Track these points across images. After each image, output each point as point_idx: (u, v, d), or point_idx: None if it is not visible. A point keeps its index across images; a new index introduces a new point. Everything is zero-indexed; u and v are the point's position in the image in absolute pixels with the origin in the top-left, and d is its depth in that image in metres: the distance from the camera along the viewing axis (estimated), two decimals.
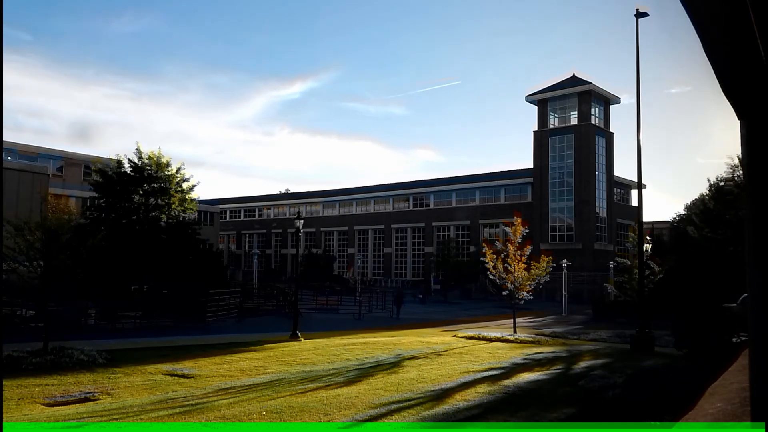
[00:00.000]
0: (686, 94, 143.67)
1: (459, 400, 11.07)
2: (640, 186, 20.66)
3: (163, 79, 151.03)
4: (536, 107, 60.05)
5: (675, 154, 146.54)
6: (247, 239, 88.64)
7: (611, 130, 59.39)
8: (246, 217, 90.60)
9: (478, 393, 11.83)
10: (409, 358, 16.62)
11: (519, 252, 23.58)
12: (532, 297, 25.26)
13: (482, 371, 14.58)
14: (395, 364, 15.52)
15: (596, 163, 56.01)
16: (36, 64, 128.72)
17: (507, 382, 13.19)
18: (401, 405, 10.50)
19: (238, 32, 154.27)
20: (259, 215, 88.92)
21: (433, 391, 11.92)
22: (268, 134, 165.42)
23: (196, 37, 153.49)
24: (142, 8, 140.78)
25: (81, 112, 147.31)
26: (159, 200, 30.84)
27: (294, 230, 30.14)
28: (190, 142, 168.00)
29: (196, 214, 34.35)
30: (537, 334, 24.34)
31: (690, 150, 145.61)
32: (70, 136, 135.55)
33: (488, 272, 24.69)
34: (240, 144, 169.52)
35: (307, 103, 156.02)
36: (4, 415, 9.20)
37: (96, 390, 11.60)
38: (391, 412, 9.91)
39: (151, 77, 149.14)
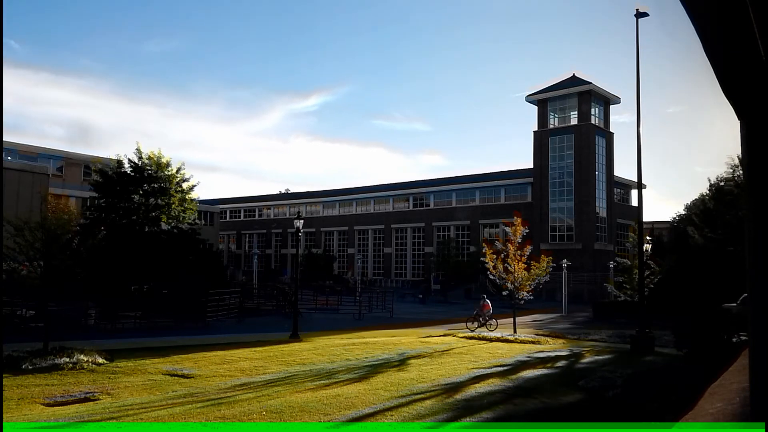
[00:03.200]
0: (685, 103, 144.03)
1: (458, 400, 11.08)
2: (640, 186, 20.65)
3: (188, 94, 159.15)
4: (536, 107, 60.05)
5: (674, 160, 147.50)
6: (247, 239, 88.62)
7: (611, 130, 59.42)
8: (246, 217, 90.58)
9: (478, 393, 11.83)
10: (409, 358, 16.63)
11: (519, 252, 23.56)
12: (532, 297, 25.25)
13: (481, 369, 14.57)
14: (396, 364, 15.52)
15: (596, 163, 55.98)
16: (79, 83, 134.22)
17: (507, 381, 13.19)
18: (401, 404, 10.50)
19: (259, 50, 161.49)
20: (259, 215, 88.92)
21: (433, 390, 11.93)
22: (284, 142, 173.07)
23: (221, 56, 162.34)
24: (173, 30, 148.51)
25: (109, 122, 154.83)
26: (159, 200, 30.82)
27: (294, 230, 30.15)
28: (209, 149, 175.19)
29: (196, 214, 34.31)
30: (537, 334, 24.33)
31: (689, 156, 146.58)
32: (92, 143, 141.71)
33: (488, 272, 24.67)
34: (255, 151, 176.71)
35: (322, 114, 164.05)
36: (4, 415, 9.20)
37: (96, 390, 11.59)
38: (390, 412, 9.92)
39: (178, 93, 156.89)
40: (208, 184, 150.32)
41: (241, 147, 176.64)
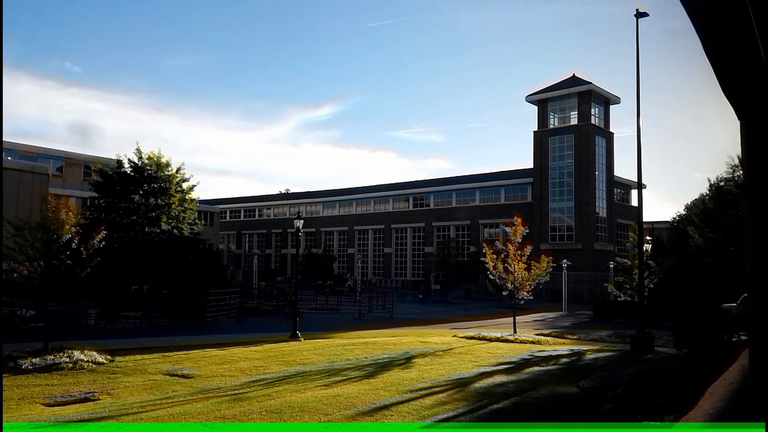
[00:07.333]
0: (685, 110, 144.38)
1: (458, 399, 11.07)
2: (640, 186, 20.65)
3: (206, 104, 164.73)
4: (536, 107, 60.05)
5: (674, 167, 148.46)
6: (247, 239, 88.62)
7: (611, 130, 59.41)
8: (246, 217, 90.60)
9: (477, 393, 11.83)
10: (410, 358, 16.62)
11: (519, 252, 23.55)
12: (532, 297, 25.24)
13: (483, 368, 14.57)
14: (396, 364, 15.51)
15: (596, 163, 55.99)
16: (111, 97, 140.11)
17: (507, 379, 13.19)
18: (401, 404, 10.49)
19: (271, 62, 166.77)
20: (259, 215, 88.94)
21: (433, 390, 11.92)
22: (295, 146, 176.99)
23: (238, 70, 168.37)
24: (196, 45, 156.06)
25: (129, 131, 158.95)
26: (159, 200, 30.82)
27: (294, 230, 30.16)
28: (222, 155, 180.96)
29: (197, 214, 34.28)
30: (537, 334, 24.34)
31: (688, 164, 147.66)
32: (109, 149, 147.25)
33: (488, 272, 24.66)
34: (266, 156, 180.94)
35: (336, 125, 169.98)
36: (4, 415, 9.20)
37: (96, 390, 11.59)
38: (391, 412, 9.91)
39: (197, 103, 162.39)
40: (220, 187, 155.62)
41: (253, 153, 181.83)
